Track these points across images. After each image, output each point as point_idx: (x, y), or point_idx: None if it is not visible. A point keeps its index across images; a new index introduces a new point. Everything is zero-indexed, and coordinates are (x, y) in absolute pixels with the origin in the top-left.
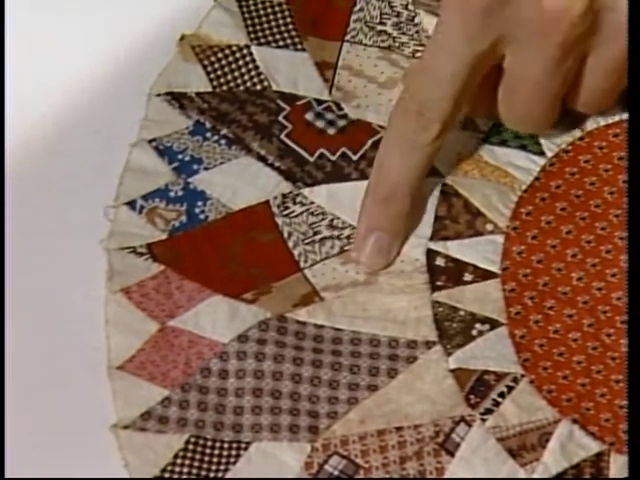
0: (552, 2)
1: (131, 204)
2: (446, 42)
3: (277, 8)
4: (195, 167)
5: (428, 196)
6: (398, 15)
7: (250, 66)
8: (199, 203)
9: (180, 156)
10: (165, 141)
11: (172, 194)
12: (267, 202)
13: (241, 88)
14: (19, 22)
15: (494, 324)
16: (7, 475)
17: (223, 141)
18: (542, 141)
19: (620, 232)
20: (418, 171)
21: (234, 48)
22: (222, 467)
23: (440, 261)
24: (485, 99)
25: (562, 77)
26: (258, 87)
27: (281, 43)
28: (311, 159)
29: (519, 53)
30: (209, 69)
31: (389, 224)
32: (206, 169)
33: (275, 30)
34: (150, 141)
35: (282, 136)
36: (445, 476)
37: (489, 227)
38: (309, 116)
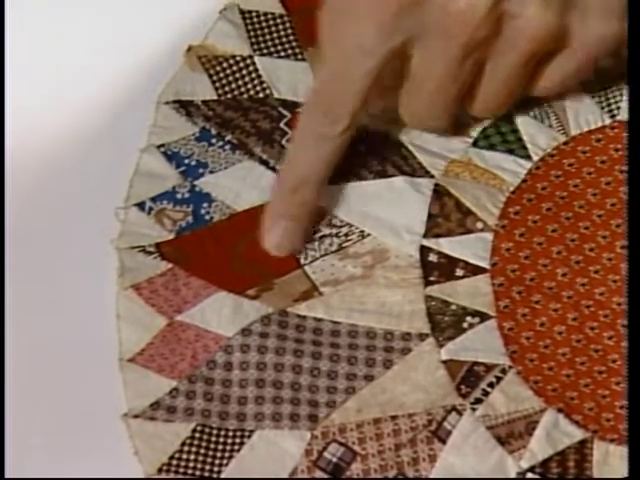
0: (456, 5)
1: (140, 205)
2: (360, 39)
3: (279, 20)
4: (201, 171)
5: (422, 195)
6: None
7: (253, 75)
8: (204, 205)
9: (187, 160)
10: (173, 146)
11: (179, 196)
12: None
13: (245, 96)
14: (32, 31)
15: (484, 317)
16: (7, 475)
17: (227, 146)
18: (528, 145)
19: (602, 231)
20: (325, 163)
21: (238, 58)
22: (227, 454)
23: (433, 257)
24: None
25: (462, 78)
26: (261, 95)
27: (282, 53)
28: None
29: (424, 53)
30: (214, 78)
31: (296, 212)
32: (211, 173)
33: (277, 41)
34: (159, 146)
35: (283, 141)
36: (437, 462)
37: (479, 225)
38: None
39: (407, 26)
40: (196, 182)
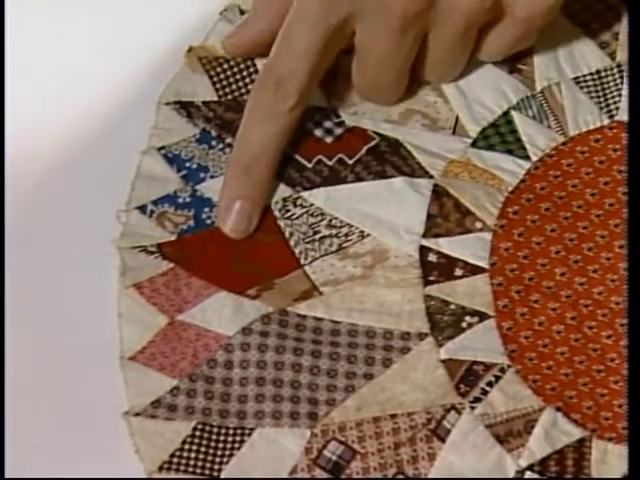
0: None
1: (142, 208)
2: (302, 15)
3: None
4: (202, 175)
5: (421, 196)
6: None
7: (254, 76)
8: (206, 209)
9: (188, 164)
10: (173, 149)
11: (180, 200)
12: (269, 206)
13: (245, 97)
14: (33, 32)
15: (483, 317)
16: (7, 475)
17: (228, 149)
18: (527, 146)
19: (601, 231)
20: (277, 140)
21: (238, 59)
22: (227, 452)
23: (432, 257)
24: None
25: (405, 50)
26: None
27: None
28: (309, 165)
29: (366, 28)
30: (215, 79)
31: (250, 192)
32: (212, 177)
33: None
34: (159, 149)
35: None
36: (436, 461)
37: (478, 225)
38: (308, 124)
39: (347, 2)
40: (197, 187)
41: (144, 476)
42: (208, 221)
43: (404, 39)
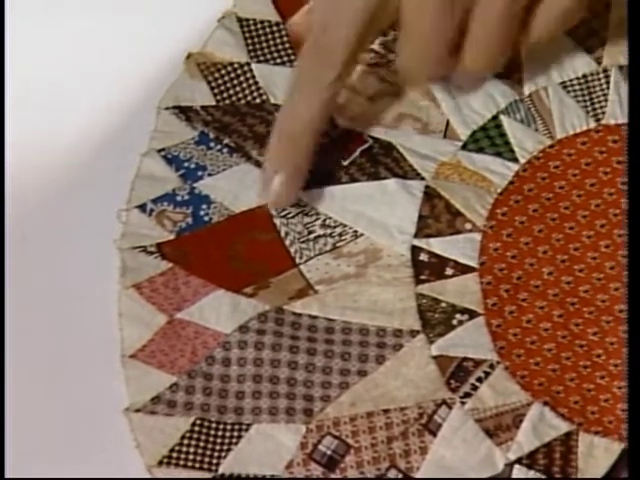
0: None
1: (142, 207)
2: None
3: (275, 28)
4: (200, 173)
5: (413, 197)
6: (385, 35)
7: (250, 82)
8: (204, 206)
9: (186, 164)
10: (173, 150)
11: (179, 198)
12: (266, 205)
13: (242, 102)
14: (34, 39)
15: (472, 314)
16: (7, 475)
17: (225, 150)
18: (516, 148)
19: (587, 231)
20: (322, 108)
21: (236, 65)
22: (225, 447)
23: (424, 257)
24: None
25: (452, 22)
26: (258, 101)
27: (278, 60)
28: None
29: (410, 1)
30: (213, 85)
31: (295, 162)
32: (210, 175)
33: (273, 48)
34: (159, 150)
35: None
36: (428, 455)
37: (468, 226)
38: None
39: None
40: (195, 185)
41: (144, 470)
42: (206, 218)
43: (449, 15)
